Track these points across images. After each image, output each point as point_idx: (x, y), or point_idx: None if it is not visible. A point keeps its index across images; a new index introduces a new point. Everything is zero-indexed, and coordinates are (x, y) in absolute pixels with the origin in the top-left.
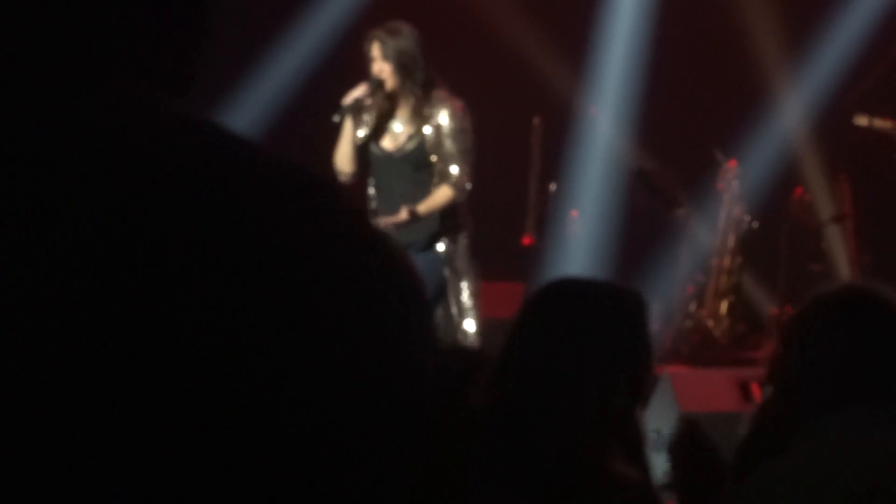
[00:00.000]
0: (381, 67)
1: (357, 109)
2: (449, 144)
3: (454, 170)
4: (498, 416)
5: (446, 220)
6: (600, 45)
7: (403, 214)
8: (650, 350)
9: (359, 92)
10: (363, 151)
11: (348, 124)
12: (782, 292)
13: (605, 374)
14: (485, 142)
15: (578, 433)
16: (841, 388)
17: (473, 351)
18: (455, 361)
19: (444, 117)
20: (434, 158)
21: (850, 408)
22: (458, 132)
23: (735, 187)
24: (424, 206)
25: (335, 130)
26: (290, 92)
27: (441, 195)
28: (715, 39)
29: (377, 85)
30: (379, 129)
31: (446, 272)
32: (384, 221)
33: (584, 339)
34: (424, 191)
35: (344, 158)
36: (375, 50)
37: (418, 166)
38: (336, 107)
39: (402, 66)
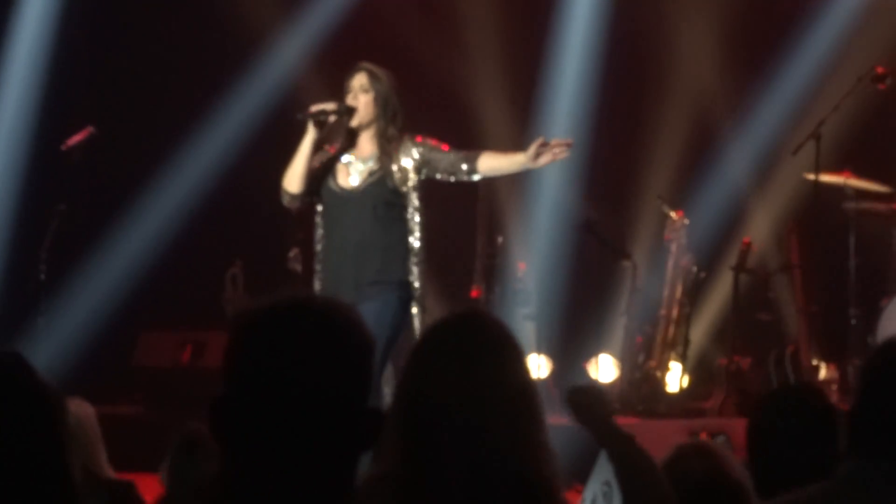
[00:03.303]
0: (358, 97)
1: (321, 121)
2: (441, 155)
3: (468, 154)
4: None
5: (411, 261)
6: (546, 97)
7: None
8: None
9: (328, 106)
10: (312, 182)
11: (307, 141)
12: (731, 342)
13: (486, 408)
14: (431, 194)
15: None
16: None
17: None
18: None
19: (416, 150)
20: (397, 194)
21: (848, 462)
22: (434, 146)
23: (682, 238)
24: (521, 157)
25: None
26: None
27: (510, 158)
28: (661, 91)
29: (347, 109)
30: (337, 167)
31: (413, 309)
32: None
33: (460, 377)
34: (381, 229)
35: (294, 177)
36: (361, 79)
37: (377, 203)
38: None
39: (384, 105)
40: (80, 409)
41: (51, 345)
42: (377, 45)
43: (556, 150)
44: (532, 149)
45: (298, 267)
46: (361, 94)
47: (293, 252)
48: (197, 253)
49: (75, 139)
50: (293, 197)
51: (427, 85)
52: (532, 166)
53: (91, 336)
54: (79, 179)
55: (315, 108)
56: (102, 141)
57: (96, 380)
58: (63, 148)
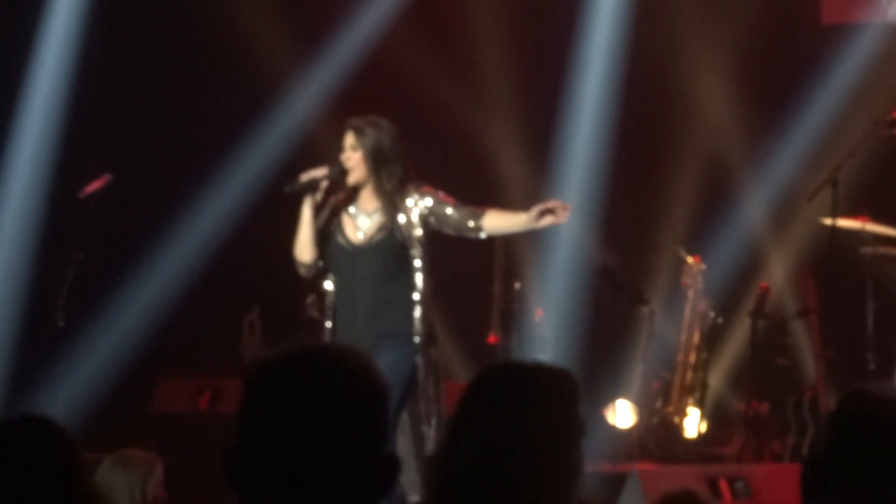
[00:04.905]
0: (350, 156)
1: (312, 189)
2: (448, 210)
3: (474, 212)
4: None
5: (423, 309)
6: (564, 142)
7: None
8: (581, 428)
9: (318, 172)
10: (325, 243)
11: (306, 210)
12: (749, 387)
13: (542, 454)
14: (449, 240)
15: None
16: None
17: None
18: None
19: (422, 201)
20: (406, 246)
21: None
22: (441, 199)
23: (699, 283)
24: (523, 218)
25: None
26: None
27: (514, 217)
28: (677, 136)
29: (339, 172)
30: (343, 221)
31: (419, 361)
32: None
33: (523, 422)
34: (393, 282)
35: (304, 247)
36: (350, 139)
37: (388, 257)
38: (291, 178)
39: (376, 159)
40: (149, 466)
41: (69, 391)
42: (393, 91)
43: (558, 212)
44: (534, 211)
45: (316, 313)
46: (352, 153)
47: (310, 298)
48: (214, 299)
49: (93, 187)
50: (308, 266)
51: (443, 131)
52: (532, 227)
53: (109, 383)
54: (96, 227)
55: (305, 176)
56: (120, 189)
57: (114, 426)
58: (80, 196)
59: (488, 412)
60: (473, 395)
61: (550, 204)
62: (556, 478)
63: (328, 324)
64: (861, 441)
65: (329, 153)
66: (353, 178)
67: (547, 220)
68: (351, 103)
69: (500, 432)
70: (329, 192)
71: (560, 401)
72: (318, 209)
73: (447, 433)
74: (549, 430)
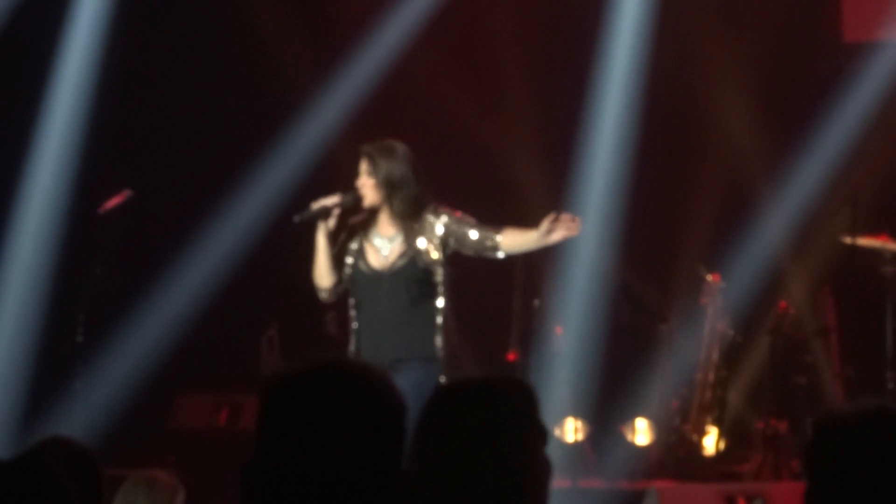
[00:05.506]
0: (364, 182)
1: (325, 216)
2: (467, 231)
3: (491, 232)
4: None
5: (446, 333)
6: (584, 160)
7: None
8: (543, 435)
9: (329, 200)
10: (345, 268)
11: (320, 237)
12: (767, 406)
13: (506, 465)
14: (469, 258)
15: None
16: None
17: None
18: None
19: (440, 223)
20: (428, 271)
21: None
22: (459, 219)
23: (719, 301)
24: (535, 234)
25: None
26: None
27: (527, 234)
28: (697, 153)
29: (353, 199)
30: (364, 247)
31: (443, 378)
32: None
33: (483, 436)
34: (415, 307)
35: (321, 273)
36: (364, 165)
37: (410, 282)
38: (303, 208)
39: (390, 185)
40: (173, 490)
41: (87, 407)
42: (413, 108)
43: (569, 225)
44: (544, 225)
45: (335, 329)
46: (366, 179)
47: (329, 315)
48: (233, 315)
49: (113, 202)
50: (328, 291)
51: (463, 148)
52: (545, 242)
53: (128, 398)
54: (116, 243)
55: (316, 205)
56: (139, 204)
57: (133, 442)
58: (100, 211)
59: (448, 430)
60: (432, 415)
61: (559, 217)
62: (522, 488)
63: (352, 348)
64: (834, 467)
65: (349, 170)
66: (367, 203)
67: (558, 235)
68: (371, 120)
69: (462, 448)
70: (346, 215)
71: (518, 410)
72: (334, 235)
73: (411, 454)
74: (511, 440)
